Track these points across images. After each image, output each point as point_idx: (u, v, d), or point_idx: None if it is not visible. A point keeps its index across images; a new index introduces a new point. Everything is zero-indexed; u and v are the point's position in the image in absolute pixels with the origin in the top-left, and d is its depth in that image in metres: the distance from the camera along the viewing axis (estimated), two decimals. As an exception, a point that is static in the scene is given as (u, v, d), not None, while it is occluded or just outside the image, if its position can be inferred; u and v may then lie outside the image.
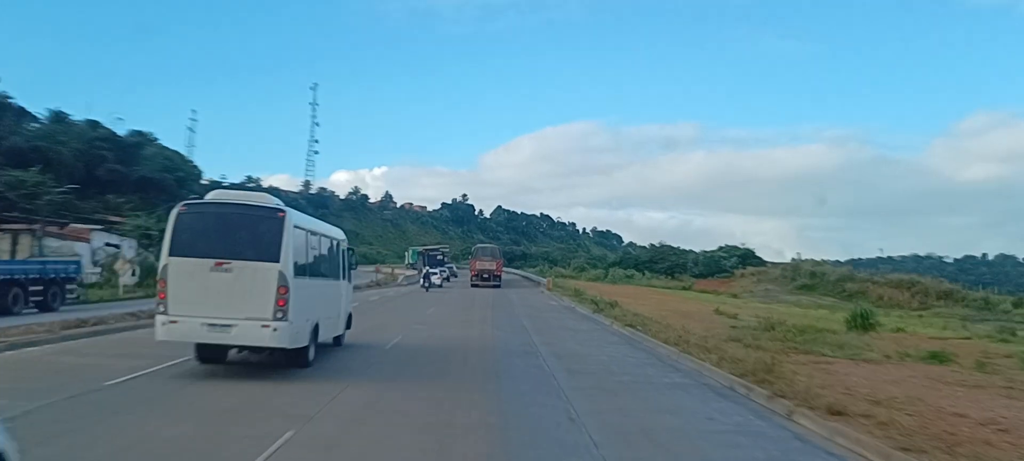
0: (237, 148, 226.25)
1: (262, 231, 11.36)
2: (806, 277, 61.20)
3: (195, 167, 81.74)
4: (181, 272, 11.12)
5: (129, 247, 44.88)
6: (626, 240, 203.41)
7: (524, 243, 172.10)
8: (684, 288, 72.58)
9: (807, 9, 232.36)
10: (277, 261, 11.15)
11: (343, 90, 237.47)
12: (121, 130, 71.90)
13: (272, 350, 11.75)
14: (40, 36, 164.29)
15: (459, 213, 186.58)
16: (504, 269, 69.87)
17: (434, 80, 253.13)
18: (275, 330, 11.07)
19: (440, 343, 17.63)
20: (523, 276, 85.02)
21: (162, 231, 12.34)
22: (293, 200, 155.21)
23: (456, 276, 71.23)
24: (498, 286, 55.45)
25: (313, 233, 13.14)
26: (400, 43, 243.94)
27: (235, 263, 11.12)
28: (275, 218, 11.50)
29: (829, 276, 60.09)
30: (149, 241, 51.23)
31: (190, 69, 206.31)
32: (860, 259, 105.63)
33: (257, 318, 11.03)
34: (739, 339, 18.70)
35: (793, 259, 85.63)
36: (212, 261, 11.09)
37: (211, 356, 12.27)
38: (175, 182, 67.83)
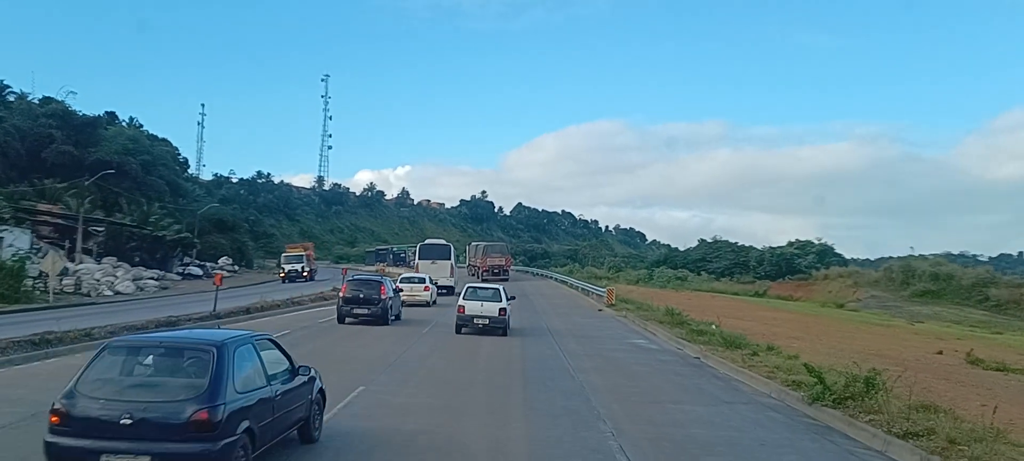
0: (258, 146, 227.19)
1: (445, 251, 46.23)
2: (927, 280, 47.65)
3: (171, 148, 69.87)
4: (424, 265, 42.46)
5: (38, 246, 33.10)
6: (649, 238, 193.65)
7: (545, 241, 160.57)
8: (756, 294, 59.44)
9: (837, 2, 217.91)
10: (449, 260, 45.27)
11: (365, 90, 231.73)
12: (95, 110, 60.52)
13: (448, 288, 39.85)
14: (47, 34, 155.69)
15: (478, 210, 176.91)
16: (525, 269, 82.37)
17: (457, 78, 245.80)
18: (449, 279, 42.61)
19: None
20: (554, 279, 65.81)
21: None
22: (307, 197, 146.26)
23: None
24: (506, 279, 57.68)
25: (453, 249, 48.05)
26: (423, 41, 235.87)
27: (436, 261, 44.04)
28: (448, 246, 47.69)
29: (960, 279, 46.57)
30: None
31: (211, 72, 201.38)
32: (892, 257, 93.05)
33: (445, 277, 42.33)
34: None
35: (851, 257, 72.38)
36: (431, 260, 43.81)
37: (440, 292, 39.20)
38: (140, 167, 56.16)
